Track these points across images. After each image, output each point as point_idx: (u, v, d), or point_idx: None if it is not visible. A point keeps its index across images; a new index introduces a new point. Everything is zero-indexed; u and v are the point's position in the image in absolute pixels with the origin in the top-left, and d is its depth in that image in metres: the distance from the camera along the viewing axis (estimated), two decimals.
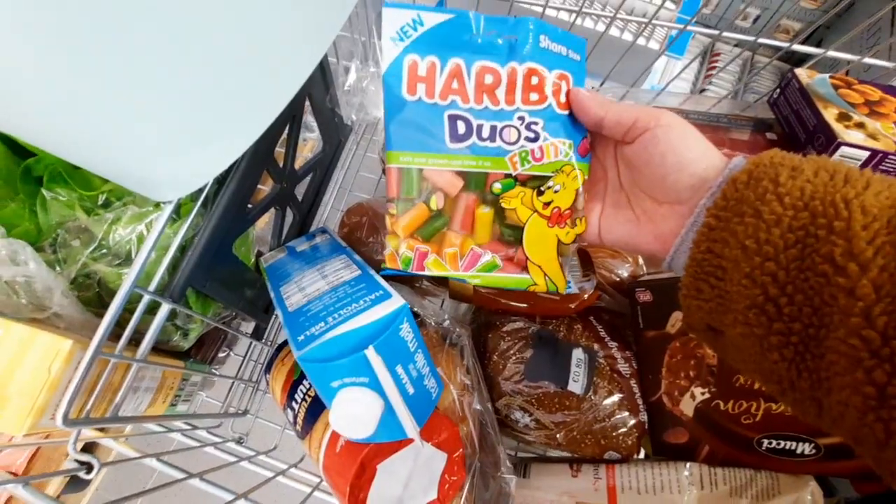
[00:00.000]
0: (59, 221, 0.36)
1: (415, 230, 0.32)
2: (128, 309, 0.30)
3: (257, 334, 0.53)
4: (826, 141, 0.42)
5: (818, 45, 0.57)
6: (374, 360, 0.29)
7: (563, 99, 0.31)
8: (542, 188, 0.32)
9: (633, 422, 0.42)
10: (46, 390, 0.30)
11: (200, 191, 0.34)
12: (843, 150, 0.41)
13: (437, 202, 0.31)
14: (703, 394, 0.41)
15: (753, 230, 0.22)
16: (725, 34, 0.54)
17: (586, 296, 0.42)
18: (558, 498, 0.41)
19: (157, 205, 0.36)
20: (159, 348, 0.44)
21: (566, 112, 0.31)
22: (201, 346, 0.54)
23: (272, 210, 0.47)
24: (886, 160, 0.41)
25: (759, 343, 0.22)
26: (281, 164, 0.44)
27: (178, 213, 0.35)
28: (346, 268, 0.38)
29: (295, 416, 0.40)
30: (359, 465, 0.33)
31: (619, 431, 0.42)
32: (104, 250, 0.36)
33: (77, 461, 0.30)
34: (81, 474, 0.29)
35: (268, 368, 0.46)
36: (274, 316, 0.52)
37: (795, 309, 0.21)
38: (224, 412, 0.51)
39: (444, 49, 0.30)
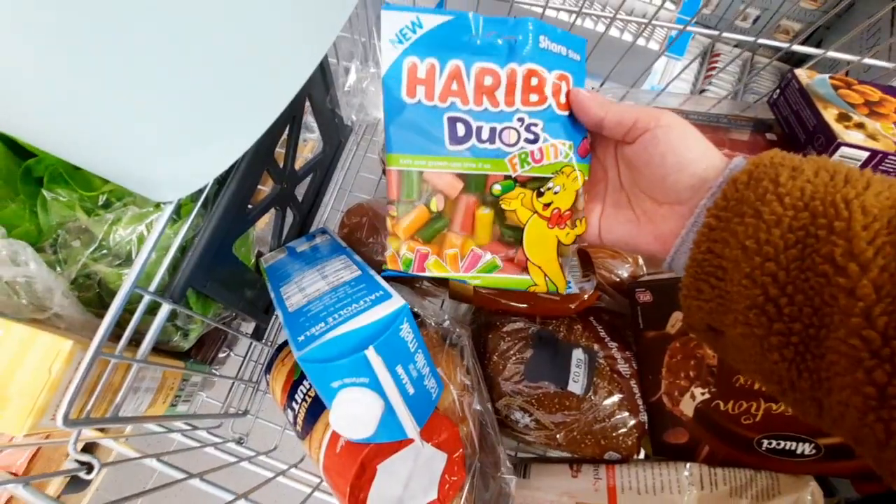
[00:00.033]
0: (60, 222, 0.36)
1: (415, 232, 0.32)
2: (128, 309, 0.30)
3: (257, 335, 0.53)
4: (826, 141, 0.42)
5: (818, 46, 0.57)
6: (374, 360, 0.29)
7: (563, 99, 0.31)
8: (542, 189, 0.32)
9: (633, 422, 0.42)
10: (47, 391, 0.30)
11: (201, 191, 0.34)
12: (843, 150, 0.41)
13: (437, 204, 0.31)
14: (703, 394, 0.41)
15: (754, 230, 0.22)
16: (725, 35, 0.54)
17: (586, 296, 0.43)
18: (558, 498, 0.41)
19: (158, 205, 0.36)
20: (159, 349, 0.44)
21: (566, 113, 0.31)
22: (201, 347, 0.54)
23: (272, 210, 0.47)
24: (886, 160, 0.41)
25: (759, 343, 0.22)
26: (281, 165, 0.44)
27: (179, 213, 0.35)
28: (346, 268, 0.38)
29: (295, 417, 0.40)
30: (359, 465, 0.33)
31: (619, 432, 0.42)
32: (104, 251, 0.36)
33: (77, 461, 0.30)
34: (82, 474, 0.29)
35: (268, 369, 0.46)
36: (274, 316, 0.52)
37: (796, 309, 0.21)
38: (224, 412, 0.51)
39: (443, 51, 0.30)
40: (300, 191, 0.52)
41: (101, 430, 0.44)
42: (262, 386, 0.55)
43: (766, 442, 0.38)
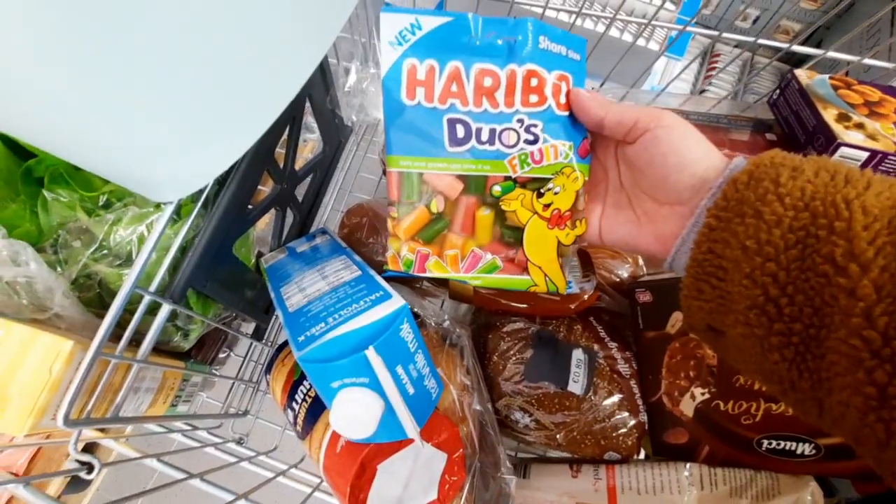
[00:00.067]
0: (61, 222, 0.36)
1: (416, 233, 0.32)
2: (128, 310, 0.30)
3: (258, 335, 0.53)
4: (825, 141, 0.42)
5: (818, 46, 0.57)
6: (374, 360, 0.29)
7: (562, 100, 0.31)
8: (542, 190, 0.32)
9: (633, 422, 0.42)
10: (47, 391, 0.30)
11: (201, 192, 0.34)
12: (843, 150, 0.41)
13: (437, 205, 0.31)
14: (703, 394, 0.41)
15: (754, 231, 0.22)
16: (725, 35, 0.54)
17: (586, 296, 0.43)
18: (558, 498, 0.41)
19: (158, 206, 0.36)
20: (160, 349, 0.44)
21: (566, 113, 0.31)
22: (202, 347, 0.54)
23: (272, 211, 0.47)
24: (886, 161, 0.41)
25: (759, 343, 0.22)
26: (281, 165, 0.44)
27: (179, 213, 0.35)
28: (346, 268, 0.38)
29: (295, 417, 0.40)
30: (359, 465, 0.33)
31: (619, 432, 0.42)
32: (105, 251, 0.36)
33: (78, 461, 0.30)
34: (82, 475, 0.29)
35: (268, 369, 0.46)
36: (274, 317, 0.52)
37: (796, 309, 0.21)
38: (224, 413, 0.51)
39: (442, 52, 0.30)
40: (300, 191, 0.52)
41: (102, 430, 0.44)
42: (262, 386, 0.55)
43: (766, 442, 0.38)
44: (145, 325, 0.33)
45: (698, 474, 0.39)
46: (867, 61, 0.51)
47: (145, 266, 0.30)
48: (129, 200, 0.36)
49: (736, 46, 1.01)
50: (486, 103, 0.30)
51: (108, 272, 0.36)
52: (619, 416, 0.42)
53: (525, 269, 0.33)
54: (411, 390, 0.32)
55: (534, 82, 0.30)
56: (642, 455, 0.45)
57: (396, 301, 0.32)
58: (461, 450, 0.37)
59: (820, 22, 0.51)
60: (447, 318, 0.44)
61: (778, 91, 0.50)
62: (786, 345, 0.21)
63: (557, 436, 0.42)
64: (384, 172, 0.57)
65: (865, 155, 0.41)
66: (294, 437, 0.42)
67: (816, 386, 0.20)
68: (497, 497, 0.40)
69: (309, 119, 0.57)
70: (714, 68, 0.99)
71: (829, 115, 0.43)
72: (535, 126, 0.31)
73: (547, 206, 0.32)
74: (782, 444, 0.38)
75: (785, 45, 0.50)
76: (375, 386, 0.30)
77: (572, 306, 0.43)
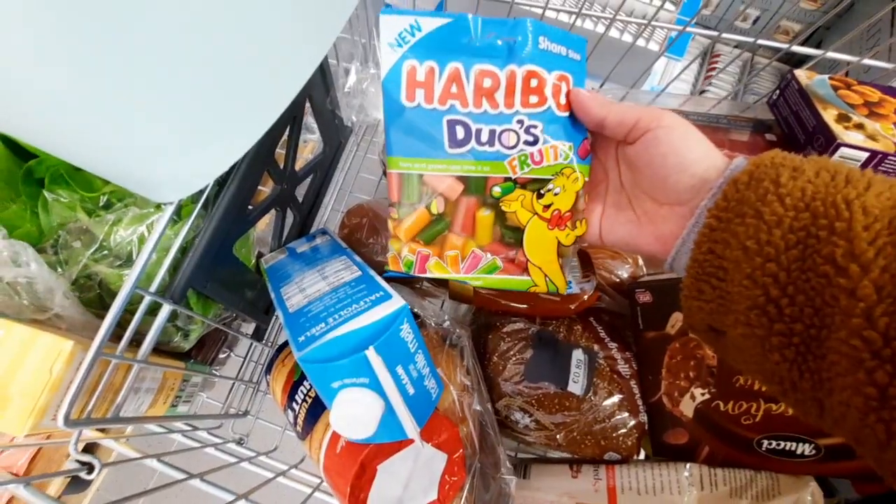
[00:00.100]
0: (61, 223, 0.36)
1: (416, 234, 0.32)
2: (129, 310, 0.30)
3: (258, 335, 0.53)
4: (825, 142, 0.42)
5: (818, 46, 0.58)
6: (374, 360, 0.29)
7: (563, 100, 0.31)
8: (542, 191, 0.32)
9: (632, 422, 0.42)
10: (48, 391, 0.30)
11: (201, 192, 0.34)
12: (843, 151, 0.41)
13: (437, 206, 0.31)
14: (702, 394, 0.41)
15: (754, 231, 0.22)
16: (725, 35, 0.54)
17: (586, 297, 0.43)
18: (558, 499, 0.41)
19: (158, 206, 0.36)
20: (160, 349, 0.44)
21: (566, 114, 0.31)
22: (202, 347, 0.54)
23: (273, 211, 0.47)
24: (886, 161, 0.41)
25: (760, 344, 0.22)
26: (281, 166, 0.44)
27: (179, 214, 0.35)
28: (346, 269, 0.38)
29: (295, 417, 0.40)
30: (359, 465, 0.33)
31: (619, 432, 0.42)
32: (105, 251, 0.36)
33: (78, 462, 0.30)
34: (82, 475, 0.29)
35: (268, 369, 0.46)
36: (274, 317, 0.52)
37: (797, 310, 0.21)
38: (225, 413, 0.51)
39: (442, 53, 0.30)
40: (300, 192, 0.52)
41: (102, 430, 0.44)
42: (262, 386, 0.55)
43: (766, 442, 0.38)
44: (145, 325, 0.33)
45: (698, 475, 0.39)
46: (867, 62, 0.51)
47: (145, 266, 0.30)
48: (129, 201, 0.36)
49: (736, 47, 1.01)
50: (486, 104, 0.30)
51: (109, 273, 0.36)
52: (619, 417, 0.42)
53: (525, 270, 0.33)
54: (411, 390, 0.32)
55: (534, 83, 0.30)
56: (642, 455, 0.45)
57: (396, 301, 0.32)
58: (461, 450, 0.37)
59: (820, 22, 0.51)
60: (447, 319, 0.44)
61: (778, 91, 0.50)
62: (786, 345, 0.21)
63: (557, 436, 0.42)
64: (384, 173, 0.57)
65: (865, 155, 0.41)
66: (294, 437, 0.42)
67: (817, 386, 0.20)
68: (497, 497, 0.40)
69: (309, 119, 0.58)
70: (714, 69, 0.99)
71: (828, 115, 0.43)
72: (535, 127, 0.31)
73: (547, 206, 0.32)
74: (782, 444, 0.38)
75: (785, 46, 0.50)
76: (375, 386, 0.30)
77: (572, 307, 0.43)
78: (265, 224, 0.62)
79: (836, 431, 0.21)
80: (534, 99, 0.30)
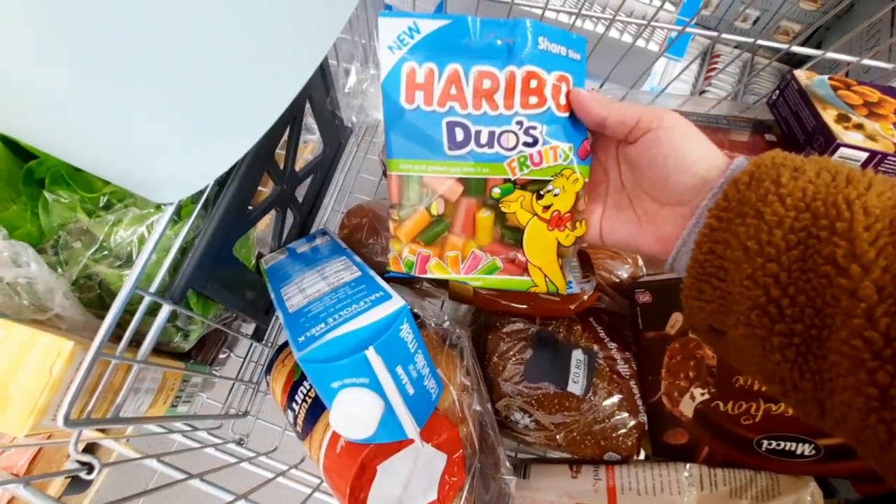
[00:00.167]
0: (61, 223, 0.36)
1: (417, 235, 0.32)
2: (129, 310, 0.30)
3: (258, 336, 0.53)
4: (825, 142, 0.42)
5: (818, 47, 0.58)
6: (374, 360, 0.29)
7: (563, 101, 0.31)
8: (542, 192, 0.32)
9: (632, 423, 0.42)
10: (48, 391, 0.30)
11: (201, 192, 0.34)
12: (842, 151, 0.41)
13: (437, 208, 0.31)
14: (702, 395, 0.41)
15: (755, 231, 0.22)
16: (725, 36, 0.54)
17: (586, 297, 0.43)
18: (558, 499, 0.41)
19: (158, 206, 0.36)
20: (160, 349, 0.44)
21: (566, 114, 0.31)
22: (202, 348, 0.54)
23: (273, 212, 0.47)
24: (885, 161, 0.41)
25: (761, 344, 0.22)
26: (281, 166, 0.44)
27: (179, 214, 0.35)
28: (346, 269, 0.38)
29: (295, 417, 0.40)
30: (359, 465, 0.33)
31: (619, 432, 0.42)
32: (105, 252, 0.36)
33: (78, 462, 0.30)
34: (83, 475, 0.29)
35: (268, 370, 0.46)
36: (274, 317, 0.52)
37: (797, 310, 0.21)
38: (224, 413, 0.51)
39: (441, 55, 0.30)
40: (300, 192, 0.52)
41: (102, 430, 0.44)
42: (262, 387, 0.55)
43: (765, 442, 0.38)
44: (145, 325, 0.33)
45: (698, 475, 0.39)
46: (867, 62, 0.51)
47: (145, 267, 0.30)
48: (129, 201, 0.36)
49: (736, 47, 1.01)
50: (486, 105, 0.30)
51: (109, 273, 0.36)
52: (618, 417, 0.42)
53: (525, 270, 0.33)
54: (411, 391, 0.32)
55: (533, 84, 0.30)
56: (642, 455, 0.45)
57: (396, 301, 0.32)
58: (461, 450, 0.37)
59: (820, 22, 0.52)
60: (447, 319, 0.44)
61: (777, 92, 0.50)
62: (787, 345, 0.21)
63: (557, 436, 0.42)
64: (384, 174, 0.57)
65: (865, 155, 0.41)
66: (294, 437, 0.42)
67: (818, 387, 0.20)
68: (497, 497, 0.40)
69: (309, 120, 0.57)
70: (714, 69, 0.99)
71: (828, 115, 0.43)
72: (535, 128, 0.31)
73: (546, 207, 0.32)
74: (782, 444, 0.38)
75: (785, 46, 0.50)
76: (375, 386, 0.30)
77: (572, 307, 0.43)
78: (265, 224, 0.62)
79: (837, 432, 0.21)
80: (533, 100, 0.30)
